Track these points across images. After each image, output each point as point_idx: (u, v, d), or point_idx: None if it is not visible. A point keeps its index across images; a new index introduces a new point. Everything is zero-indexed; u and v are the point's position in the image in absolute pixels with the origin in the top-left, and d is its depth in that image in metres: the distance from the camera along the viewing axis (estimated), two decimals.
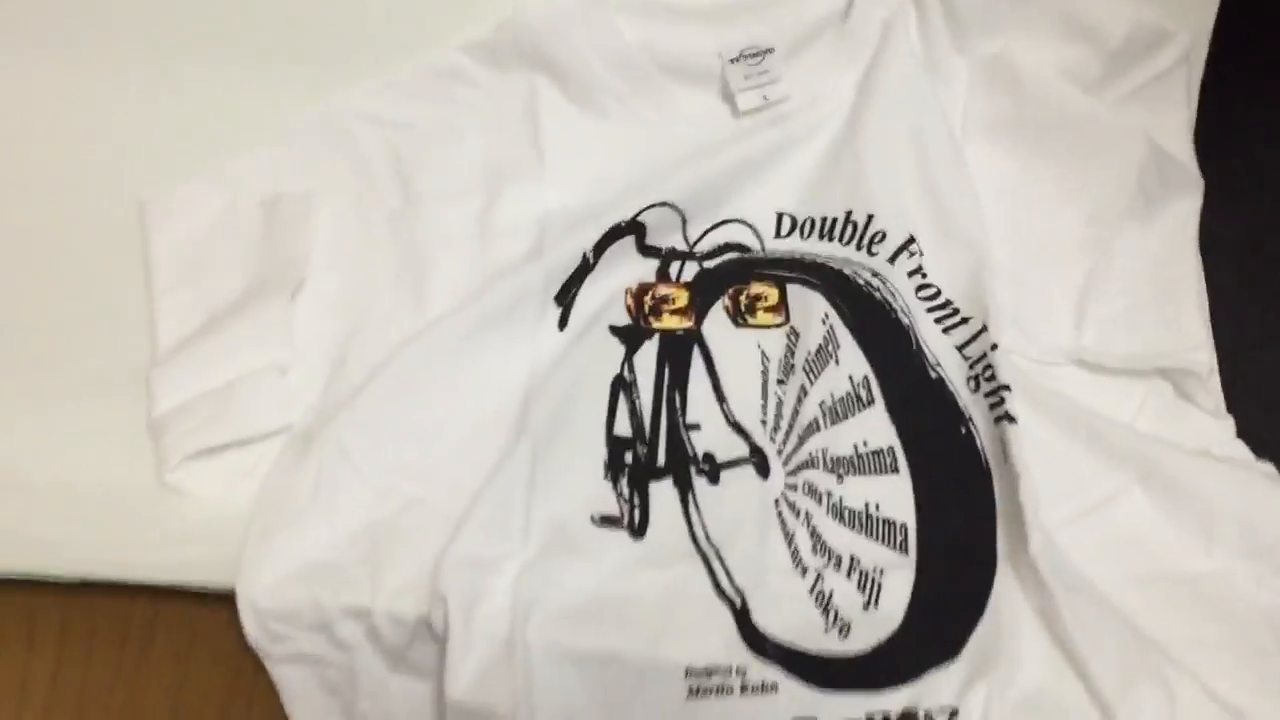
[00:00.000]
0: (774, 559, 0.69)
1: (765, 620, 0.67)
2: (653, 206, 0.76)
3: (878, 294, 0.75)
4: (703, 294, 0.76)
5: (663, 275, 0.77)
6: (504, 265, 0.75)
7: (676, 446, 0.72)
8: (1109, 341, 0.74)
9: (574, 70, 0.79)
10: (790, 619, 0.67)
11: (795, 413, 0.73)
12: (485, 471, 0.70)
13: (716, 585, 0.68)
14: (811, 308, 0.75)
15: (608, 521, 0.69)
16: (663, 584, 0.68)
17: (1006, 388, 0.70)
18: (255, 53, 0.81)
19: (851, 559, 0.69)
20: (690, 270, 0.77)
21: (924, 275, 0.75)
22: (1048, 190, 0.78)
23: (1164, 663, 0.65)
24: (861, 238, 0.76)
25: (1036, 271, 0.76)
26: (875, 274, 0.75)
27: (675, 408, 0.73)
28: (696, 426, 0.72)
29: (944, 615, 0.68)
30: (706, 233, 0.78)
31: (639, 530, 0.69)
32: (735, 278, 0.77)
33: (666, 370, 0.73)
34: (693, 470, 0.71)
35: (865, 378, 0.73)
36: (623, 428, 0.72)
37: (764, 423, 0.73)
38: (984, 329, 0.72)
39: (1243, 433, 0.73)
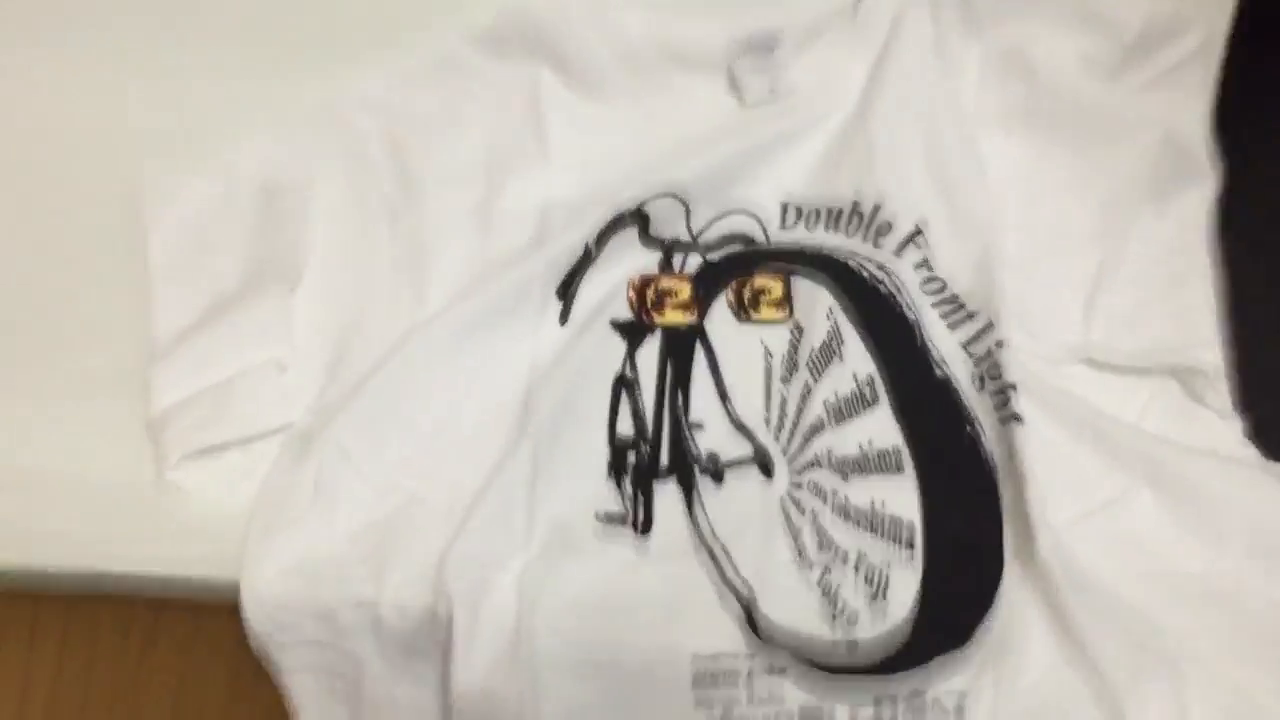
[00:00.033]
0: (779, 556, 0.69)
1: (773, 611, 0.67)
2: (656, 197, 0.75)
3: (883, 287, 0.74)
4: (706, 286, 0.75)
5: (665, 267, 0.76)
6: (505, 256, 0.75)
7: (680, 446, 0.71)
8: (1117, 337, 0.74)
9: (578, 58, 0.77)
10: (798, 609, 0.67)
11: (799, 411, 0.72)
12: (487, 469, 0.69)
13: (724, 578, 0.68)
14: (816, 302, 0.74)
15: (611, 520, 0.69)
16: (669, 579, 0.68)
17: (1013, 386, 0.69)
18: (255, 41, 0.80)
19: (858, 555, 0.69)
20: (693, 262, 0.76)
21: (930, 268, 0.74)
22: (1059, 180, 0.77)
23: (1174, 658, 0.65)
24: (868, 228, 0.75)
25: (1046, 263, 0.75)
26: (881, 266, 0.74)
27: (678, 407, 0.72)
28: (700, 426, 0.72)
29: (951, 611, 0.68)
30: (711, 223, 0.77)
31: (643, 529, 0.69)
32: (739, 270, 0.76)
33: (669, 368, 0.73)
34: (696, 470, 0.71)
35: (870, 376, 0.72)
36: (625, 427, 0.71)
37: (768, 421, 0.72)
38: (990, 325, 0.71)
39: (1251, 431, 0.72)
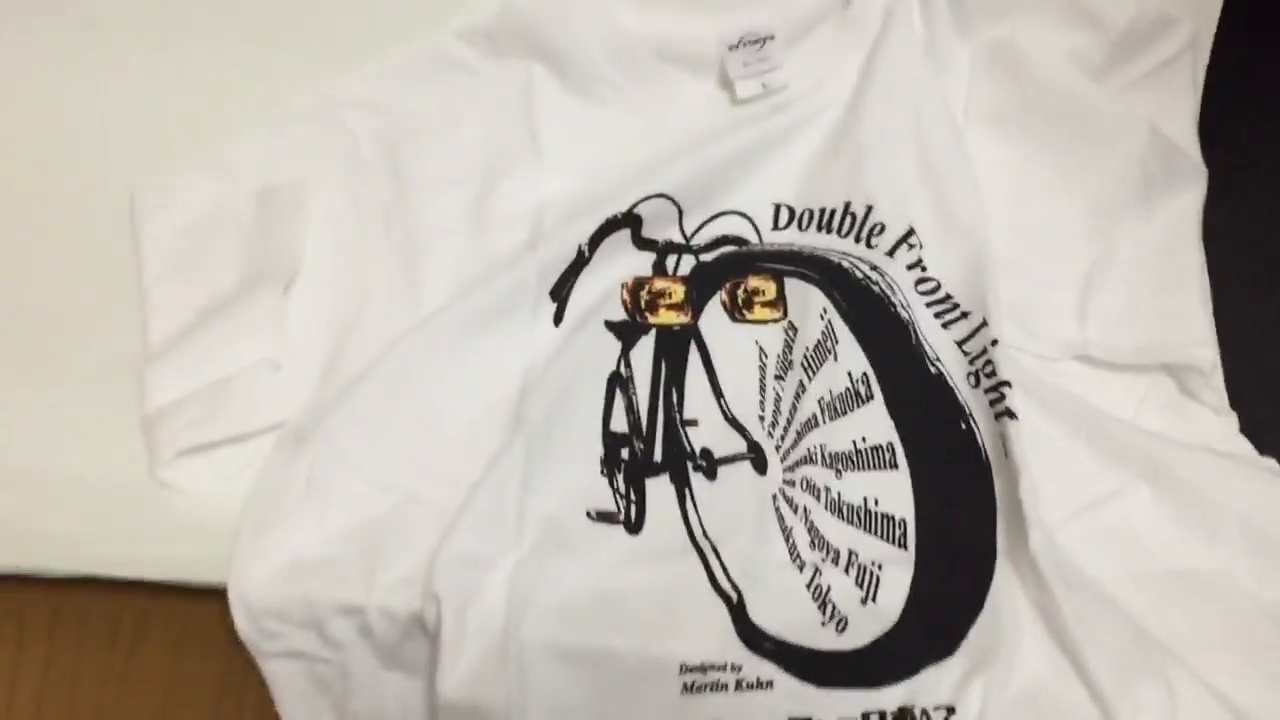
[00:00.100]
0: (771, 555, 0.68)
1: (762, 616, 0.67)
2: (649, 198, 0.75)
3: (876, 287, 0.74)
4: (699, 288, 0.75)
5: (659, 268, 0.76)
6: (499, 256, 0.75)
7: (673, 443, 0.71)
8: (1112, 334, 0.74)
9: (572, 58, 0.78)
10: (787, 615, 0.67)
11: (794, 408, 0.72)
12: (480, 468, 0.69)
13: (713, 581, 0.68)
14: (809, 302, 0.74)
15: (604, 517, 0.69)
16: (659, 580, 0.68)
17: (1007, 384, 0.69)
18: (249, 39, 0.80)
19: (850, 554, 0.68)
20: (687, 263, 0.76)
21: (924, 269, 0.74)
22: (1050, 179, 0.77)
23: (1165, 660, 0.65)
24: (860, 230, 0.75)
25: (1038, 262, 0.75)
26: (874, 267, 0.75)
27: (672, 404, 0.72)
28: (694, 422, 0.72)
29: (942, 611, 0.67)
30: (704, 225, 0.77)
31: (635, 526, 0.69)
32: (732, 271, 0.76)
33: (663, 366, 0.73)
34: (690, 466, 0.71)
35: (864, 374, 0.72)
36: (619, 424, 0.71)
37: (762, 418, 0.72)
38: (984, 324, 0.72)
39: (1245, 427, 0.72)
